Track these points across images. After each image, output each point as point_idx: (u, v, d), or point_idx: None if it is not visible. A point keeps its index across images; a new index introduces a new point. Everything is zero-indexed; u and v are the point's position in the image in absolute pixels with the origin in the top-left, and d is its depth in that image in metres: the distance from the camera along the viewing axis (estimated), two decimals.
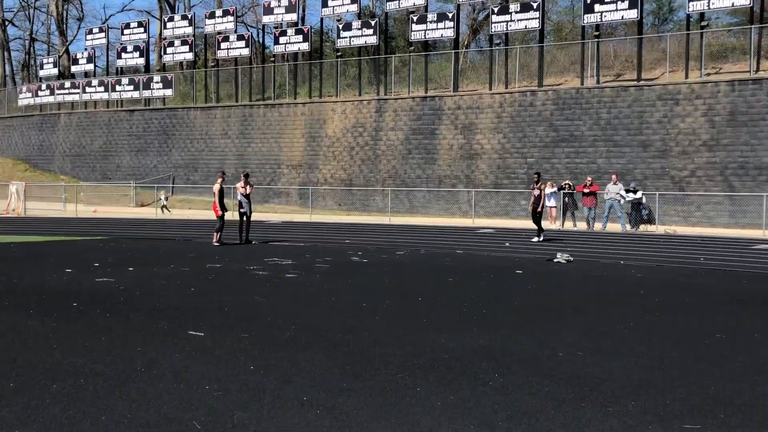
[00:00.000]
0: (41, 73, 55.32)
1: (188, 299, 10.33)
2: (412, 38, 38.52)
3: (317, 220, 32.47)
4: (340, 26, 40.49)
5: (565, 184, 28.57)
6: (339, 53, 40.98)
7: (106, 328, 8.16)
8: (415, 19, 37.97)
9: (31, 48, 72.94)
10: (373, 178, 37.42)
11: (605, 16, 32.97)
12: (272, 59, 43.56)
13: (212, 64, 46.42)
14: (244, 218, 20.79)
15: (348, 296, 10.87)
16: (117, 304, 9.87)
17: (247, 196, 20.80)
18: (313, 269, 14.44)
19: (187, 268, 14.33)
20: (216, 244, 19.82)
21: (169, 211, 37.70)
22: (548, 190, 27.99)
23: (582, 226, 28.02)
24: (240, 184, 20.88)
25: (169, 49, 46.63)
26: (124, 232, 24.75)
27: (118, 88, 47.44)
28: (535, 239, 21.43)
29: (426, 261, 16.50)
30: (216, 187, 20.21)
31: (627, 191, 27.13)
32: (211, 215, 22.85)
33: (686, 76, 31.14)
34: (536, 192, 21.28)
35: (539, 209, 21.30)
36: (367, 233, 25.06)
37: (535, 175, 21.77)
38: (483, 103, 34.90)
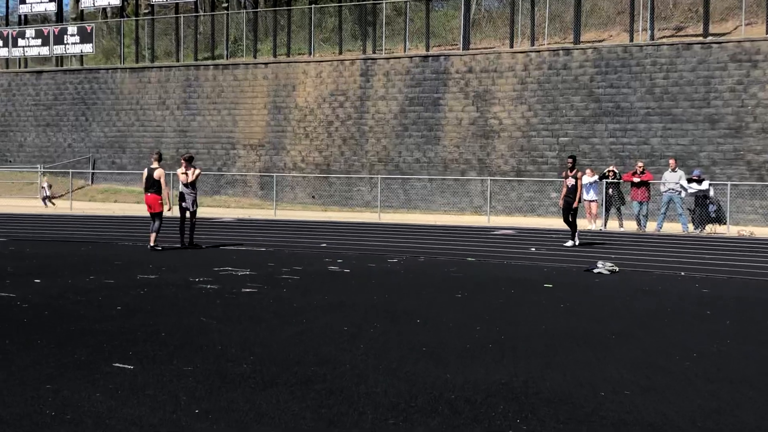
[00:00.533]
0: None
1: (113, 321, 10.29)
2: None
3: (284, 217, 32.45)
4: None
5: (609, 172, 28.69)
6: None
7: (3, 359, 8.11)
8: None
9: None
10: (357, 162, 37.45)
11: None
12: (225, 5, 43.50)
13: (146, 11, 46.30)
14: (187, 214, 20.74)
15: (324, 317, 10.86)
16: (19, 326, 9.82)
17: (191, 186, 20.73)
18: (278, 282, 14.42)
19: (112, 279, 14.28)
20: (157, 248, 19.85)
21: (53, 203, 37.66)
22: (586, 179, 28.11)
23: (631, 225, 28.13)
24: (181, 170, 20.83)
25: None
26: (29, 232, 24.65)
27: (20, 42, 47.24)
28: (569, 243, 21.52)
29: (426, 271, 16.50)
30: (160, 173, 20.17)
31: (690, 181, 27.26)
32: (143, 210, 22.79)
33: (767, 31, 31.29)
34: (570, 181, 21.40)
35: (574, 204, 21.34)
36: (349, 234, 25.06)
37: (570, 160, 21.83)
38: (502, 65, 34.97)
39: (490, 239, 24.16)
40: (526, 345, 9.28)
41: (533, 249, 21.21)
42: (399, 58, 37.33)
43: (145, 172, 20.33)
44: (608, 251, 20.74)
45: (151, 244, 20.03)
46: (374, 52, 38.59)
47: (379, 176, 35.04)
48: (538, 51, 34.51)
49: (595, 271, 16.58)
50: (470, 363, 8.32)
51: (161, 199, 20.15)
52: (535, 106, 34.13)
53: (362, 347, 8.99)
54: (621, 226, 27.89)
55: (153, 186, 20.12)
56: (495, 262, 18.49)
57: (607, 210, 28.47)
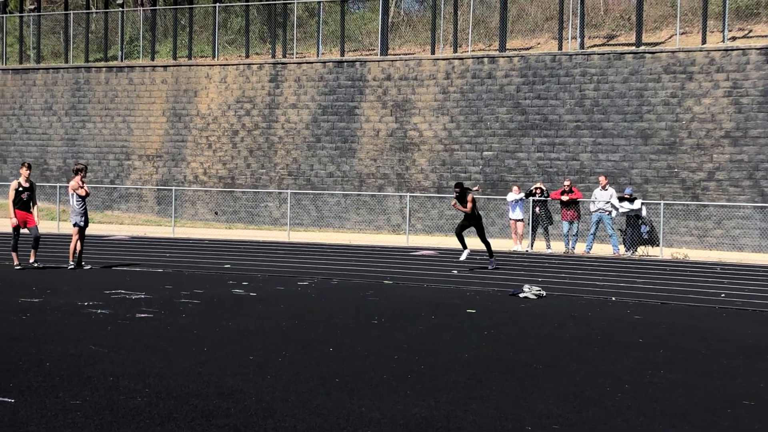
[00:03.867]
0: None
1: None
2: None
3: (184, 235, 32.13)
4: None
5: (536, 189, 29.11)
6: None
7: None
8: None
9: None
10: (265, 176, 37.32)
11: None
12: (120, 1, 43.01)
13: (31, 6, 45.51)
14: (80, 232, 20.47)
15: (227, 346, 10.79)
16: None
17: (83, 200, 20.46)
18: (176, 306, 14.28)
19: None
20: (18, 267, 19.65)
21: None
22: (512, 196, 28.48)
23: (558, 247, 28.56)
24: (76, 182, 20.51)
25: None
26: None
27: None
28: (464, 256, 22.19)
29: (340, 295, 16.51)
30: (13, 185, 20.08)
31: (621, 200, 27.82)
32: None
33: (703, 41, 32.22)
34: (466, 206, 21.68)
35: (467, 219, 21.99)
36: (256, 255, 24.94)
37: (456, 189, 21.99)
38: (422, 73, 35.30)
39: (409, 260, 24.28)
40: (447, 375, 9.34)
41: (455, 271, 21.38)
42: (311, 63, 37.39)
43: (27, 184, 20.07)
44: (535, 274, 21.03)
45: (31, 260, 19.88)
46: (284, 56, 38.56)
47: (288, 191, 34.98)
48: (462, 58, 34.91)
49: (521, 295, 16.77)
50: (387, 395, 8.35)
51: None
52: (458, 117, 34.49)
53: (269, 378, 8.95)
54: (548, 247, 28.30)
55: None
56: (414, 285, 18.58)
57: (534, 230, 28.86)
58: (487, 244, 22.20)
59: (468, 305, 15.31)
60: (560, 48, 33.87)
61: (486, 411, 7.85)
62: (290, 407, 7.77)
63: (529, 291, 16.91)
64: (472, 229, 22.14)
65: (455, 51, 35.59)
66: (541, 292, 16.93)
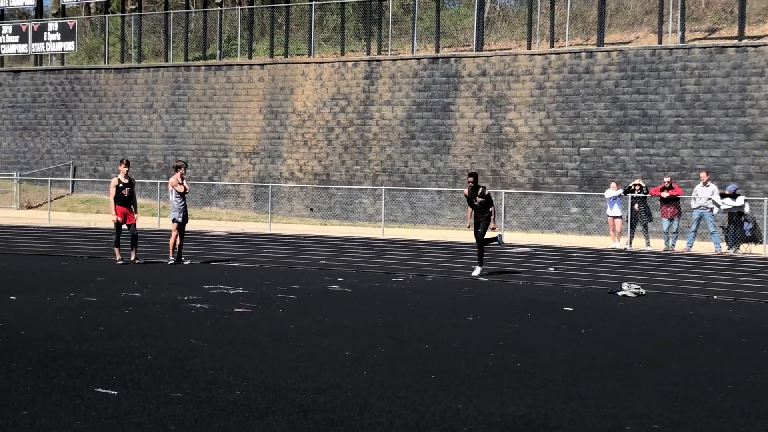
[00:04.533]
0: None
1: (95, 343, 10.31)
2: None
3: (280, 230, 32.48)
4: None
5: (635, 186, 28.68)
6: None
7: None
8: None
9: None
10: (359, 172, 37.51)
11: None
12: (219, 0, 43.67)
13: (133, 7, 46.50)
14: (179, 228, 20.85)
15: (323, 341, 10.87)
16: None
17: (181, 196, 20.84)
18: (273, 302, 14.43)
19: (94, 297, 14.31)
20: (121, 262, 20.16)
21: None
22: (611, 192, 28.11)
23: (658, 244, 28.11)
24: (175, 179, 20.90)
25: None
26: (4, 245, 24.69)
27: None
28: (476, 272, 19.57)
29: (435, 292, 16.51)
30: (114, 182, 20.55)
31: (723, 196, 27.25)
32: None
33: None
34: (477, 201, 19.60)
35: (492, 226, 19.76)
36: (350, 251, 25.07)
37: (470, 178, 19.88)
38: (518, 68, 35.05)
39: (504, 257, 24.15)
40: (544, 374, 9.27)
41: (552, 269, 21.19)
42: (406, 59, 37.43)
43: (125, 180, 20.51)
44: (633, 272, 20.72)
45: (132, 257, 20.30)
46: (379, 53, 38.69)
47: (383, 188, 35.07)
48: (558, 53, 34.58)
49: (620, 293, 16.56)
50: (483, 393, 8.31)
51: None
52: (555, 112, 34.17)
53: (365, 374, 8.99)
54: (648, 244, 27.85)
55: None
56: (510, 282, 18.48)
57: (633, 227, 28.44)
58: (482, 250, 19.71)
59: (565, 303, 15.16)
60: (660, 42, 33.30)
61: (584, 410, 7.76)
62: (386, 403, 7.79)
63: (628, 289, 16.68)
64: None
65: (552, 46, 35.26)
66: (641, 291, 16.69)
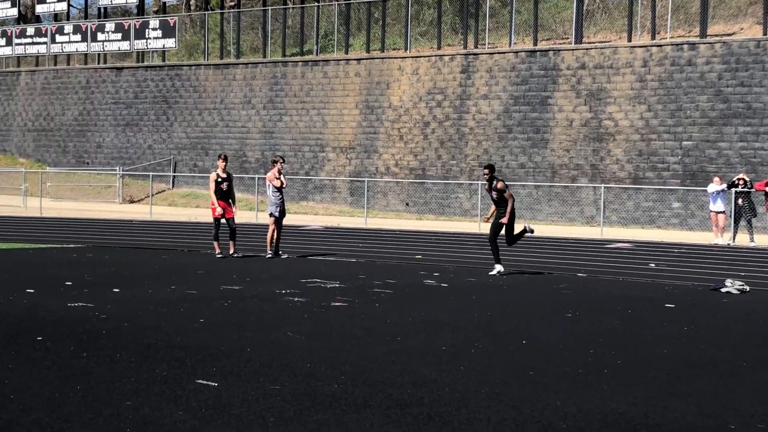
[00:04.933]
0: None
1: (196, 335, 10.49)
2: None
3: (376, 225, 32.61)
4: None
5: (739, 180, 28.07)
6: None
7: (82, 373, 8.33)
8: None
9: None
10: (455, 167, 37.43)
11: None
12: None
13: (231, 3, 47.16)
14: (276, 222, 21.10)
15: (420, 335, 10.88)
16: (97, 339, 10.08)
17: (279, 191, 21.07)
18: (369, 296, 14.50)
19: (194, 290, 14.56)
20: (220, 255, 20.51)
21: None
22: (714, 187, 27.55)
23: (763, 240, 27.46)
24: (273, 173, 21.15)
25: None
26: (107, 239, 25.30)
27: (100, 36, 48.59)
28: (496, 270, 18.43)
29: (532, 287, 16.39)
30: (212, 177, 20.86)
31: None
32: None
33: None
34: (493, 195, 18.41)
35: (502, 220, 18.26)
36: (446, 245, 25.05)
37: (486, 170, 18.62)
38: (618, 61, 34.56)
39: (603, 253, 23.85)
40: (645, 371, 9.13)
41: (653, 264, 20.87)
42: (503, 53, 37.21)
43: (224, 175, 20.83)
44: (737, 268, 20.28)
45: (231, 251, 20.61)
46: (476, 47, 38.53)
47: (479, 182, 34.92)
48: (660, 45, 33.99)
49: (723, 290, 16.23)
50: (583, 389, 8.23)
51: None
52: (656, 106, 33.60)
53: (462, 369, 8.97)
54: (752, 240, 27.24)
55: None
56: (609, 278, 18.26)
57: (736, 222, 27.85)
58: (496, 248, 18.55)
59: (666, 300, 14.91)
60: (765, 33, 32.49)
61: (686, 408, 7.63)
62: (483, 399, 7.76)
63: (732, 286, 16.34)
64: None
65: (653, 38, 34.68)
66: (745, 287, 16.33)
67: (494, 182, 18.20)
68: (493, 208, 18.56)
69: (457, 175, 37.33)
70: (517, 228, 18.81)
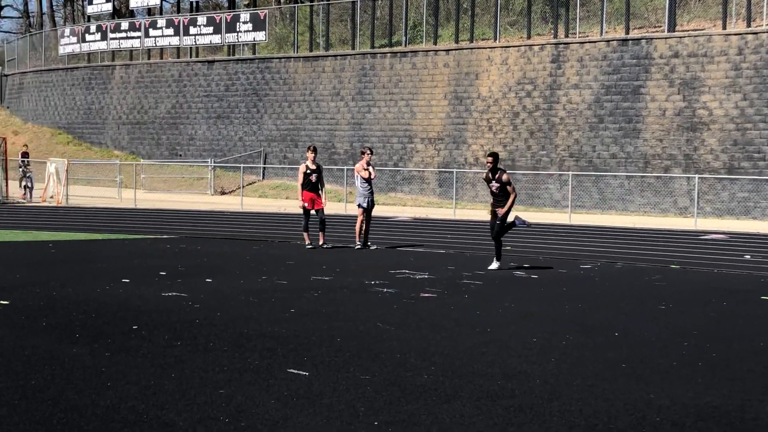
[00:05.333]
0: (89, 9, 58.25)
1: (287, 324, 10.61)
2: None
3: (464, 216, 32.55)
4: None
5: None
6: None
7: (177, 362, 8.50)
8: None
9: None
10: (545, 157, 37.13)
11: None
12: None
13: None
14: (364, 213, 21.19)
15: (510, 327, 10.84)
16: (190, 328, 10.27)
17: (367, 182, 21.14)
18: (459, 287, 14.49)
19: (285, 281, 14.72)
20: (310, 246, 20.67)
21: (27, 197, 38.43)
22: None
23: None
24: (361, 165, 21.25)
25: None
26: (199, 230, 25.71)
27: (192, 30, 49.31)
28: (493, 265, 17.29)
29: (625, 279, 16.20)
30: (302, 169, 21.08)
31: None
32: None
33: None
34: (494, 186, 17.11)
35: (499, 212, 17.11)
36: (537, 237, 24.88)
37: (489, 159, 17.39)
38: (713, 49, 33.87)
39: (697, 245, 23.44)
40: (741, 364, 8.96)
41: (748, 256, 20.44)
42: (595, 42, 36.76)
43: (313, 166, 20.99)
44: None
45: (320, 242, 20.78)
46: (567, 36, 38.13)
47: (570, 173, 34.60)
48: (756, 33, 33.21)
49: None
50: (676, 383, 8.11)
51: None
52: (752, 94, 32.87)
53: (553, 361, 8.91)
54: None
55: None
56: (703, 270, 17.95)
57: None
58: (499, 243, 17.35)
59: (762, 292, 14.60)
60: None
61: None
62: (575, 391, 7.70)
63: None
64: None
65: (749, 25, 33.90)
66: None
67: (498, 173, 16.93)
68: (492, 201, 17.35)
69: (547, 165, 37.03)
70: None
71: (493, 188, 16.98)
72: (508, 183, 16.92)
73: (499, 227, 17.09)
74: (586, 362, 8.89)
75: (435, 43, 41.78)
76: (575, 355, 9.25)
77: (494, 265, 17.14)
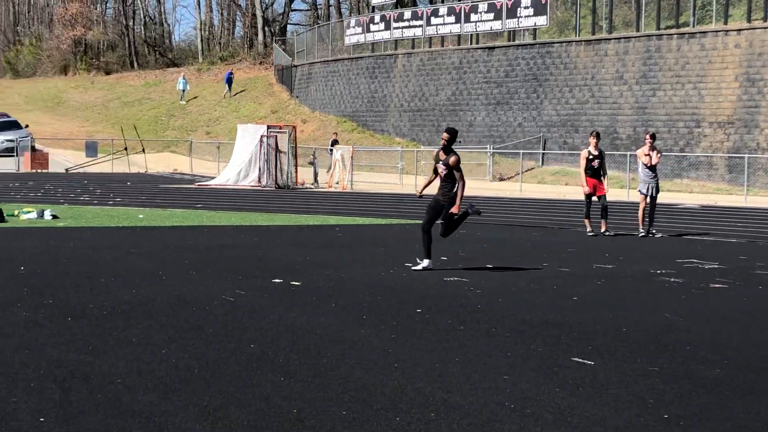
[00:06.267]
0: (373, 0, 59.92)
1: (569, 312, 10.53)
2: None
3: (756, 204, 31.05)
4: None
5: None
6: None
7: (460, 346, 8.62)
8: None
9: None
10: None
11: None
12: None
13: None
14: (647, 200, 20.67)
15: None
16: (473, 312, 10.39)
17: (650, 168, 20.62)
18: (752, 278, 13.85)
19: (566, 268, 14.61)
20: (591, 233, 20.28)
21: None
22: None
23: None
24: (642, 150, 20.73)
25: None
26: (482, 216, 25.90)
27: (473, 17, 49.72)
28: (422, 265, 14.20)
29: None
30: (584, 155, 20.66)
31: None
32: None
33: None
34: (441, 168, 14.43)
35: (453, 210, 14.23)
36: None
37: (445, 134, 14.35)
38: None
39: None
40: None
41: None
42: None
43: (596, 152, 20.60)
44: None
45: (602, 229, 20.37)
46: None
47: None
48: None
49: None
50: None
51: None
52: None
53: None
54: None
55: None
56: None
57: None
58: (429, 238, 14.28)
59: None
60: None
61: None
62: None
63: None
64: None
65: None
66: None
67: (450, 154, 14.22)
68: (428, 180, 15.48)
69: None
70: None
71: (440, 170, 14.34)
72: (456, 168, 14.20)
73: (449, 225, 14.50)
74: None
75: (725, 23, 39.99)
76: None
77: (421, 265, 14.15)
